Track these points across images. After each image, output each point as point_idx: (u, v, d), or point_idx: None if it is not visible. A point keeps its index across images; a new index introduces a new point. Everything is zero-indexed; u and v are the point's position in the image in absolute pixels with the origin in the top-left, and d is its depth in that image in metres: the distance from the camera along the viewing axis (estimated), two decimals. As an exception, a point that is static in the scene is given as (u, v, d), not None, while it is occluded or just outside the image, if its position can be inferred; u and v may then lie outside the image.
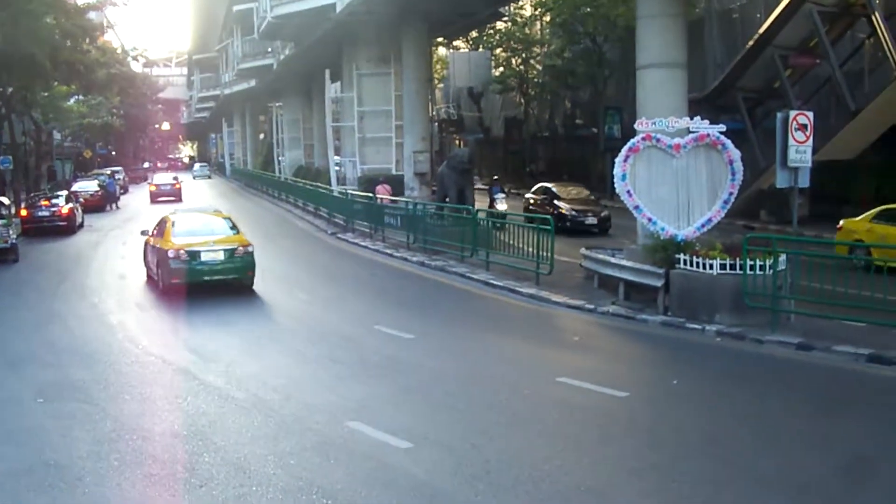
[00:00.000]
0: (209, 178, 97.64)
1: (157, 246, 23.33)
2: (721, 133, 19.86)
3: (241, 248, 22.66)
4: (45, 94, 54.31)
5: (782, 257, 17.56)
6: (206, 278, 22.24)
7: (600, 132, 51.22)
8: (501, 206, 37.05)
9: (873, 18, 32.16)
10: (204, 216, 26.03)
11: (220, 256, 22.41)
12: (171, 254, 22.13)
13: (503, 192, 40.19)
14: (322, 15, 43.47)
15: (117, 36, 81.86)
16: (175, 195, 59.66)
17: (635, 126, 20.56)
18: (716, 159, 19.88)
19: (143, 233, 25.85)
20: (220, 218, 25.44)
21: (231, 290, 22.33)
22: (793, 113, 20.28)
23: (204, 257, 22.24)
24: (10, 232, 31.21)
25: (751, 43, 37.36)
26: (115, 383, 14.84)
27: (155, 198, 59.47)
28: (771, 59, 36.26)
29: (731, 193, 19.99)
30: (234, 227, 24.23)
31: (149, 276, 24.81)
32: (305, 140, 69.34)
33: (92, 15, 53.66)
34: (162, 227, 24.04)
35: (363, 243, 32.97)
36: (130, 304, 22.40)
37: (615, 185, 20.40)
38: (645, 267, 19.68)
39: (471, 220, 27.62)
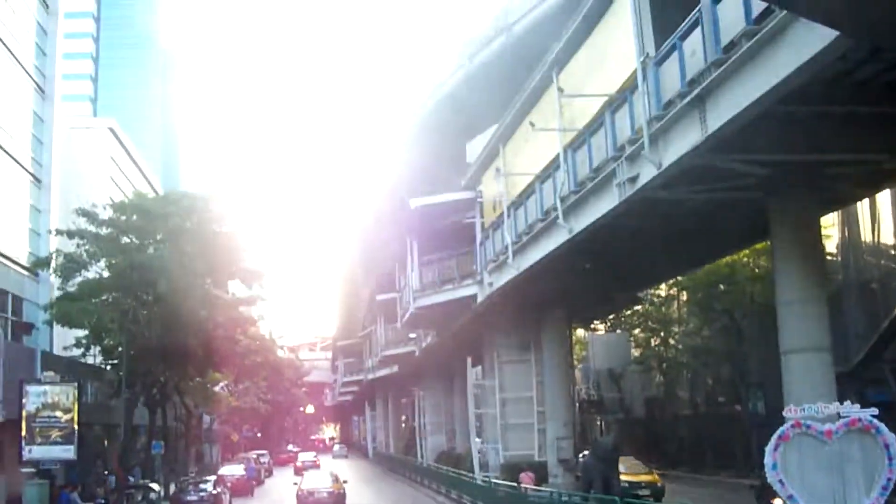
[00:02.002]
0: (346, 457, 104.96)
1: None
2: (873, 417, 19.51)
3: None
4: (198, 380, 56.33)
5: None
6: None
7: (744, 410, 50.42)
8: None
9: None
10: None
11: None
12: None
13: None
14: (463, 305, 44.71)
15: (265, 325, 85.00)
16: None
17: (784, 413, 20.33)
18: (870, 444, 19.43)
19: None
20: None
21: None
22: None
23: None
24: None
25: (895, 313, 36.95)
26: None
27: (299, 471, 64.92)
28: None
29: (889, 479, 19.41)
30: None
31: None
32: (447, 425, 69.64)
33: (242, 308, 56.27)
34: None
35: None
36: None
37: (766, 475, 20.04)
38: (803, 559, 19.00)
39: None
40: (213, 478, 45.29)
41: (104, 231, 43.83)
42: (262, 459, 71.59)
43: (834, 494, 19.35)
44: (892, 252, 43.36)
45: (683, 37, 21.50)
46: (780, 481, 19.60)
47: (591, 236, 29.61)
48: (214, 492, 41.20)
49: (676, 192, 24.94)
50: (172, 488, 48.00)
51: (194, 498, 40.47)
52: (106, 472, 43.17)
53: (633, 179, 24.67)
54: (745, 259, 49.02)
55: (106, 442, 48.68)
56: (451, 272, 46.60)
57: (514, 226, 36.71)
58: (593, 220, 28.40)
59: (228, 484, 47.35)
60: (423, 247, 49.01)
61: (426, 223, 45.16)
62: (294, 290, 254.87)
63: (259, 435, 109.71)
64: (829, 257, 43.88)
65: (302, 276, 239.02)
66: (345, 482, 44.78)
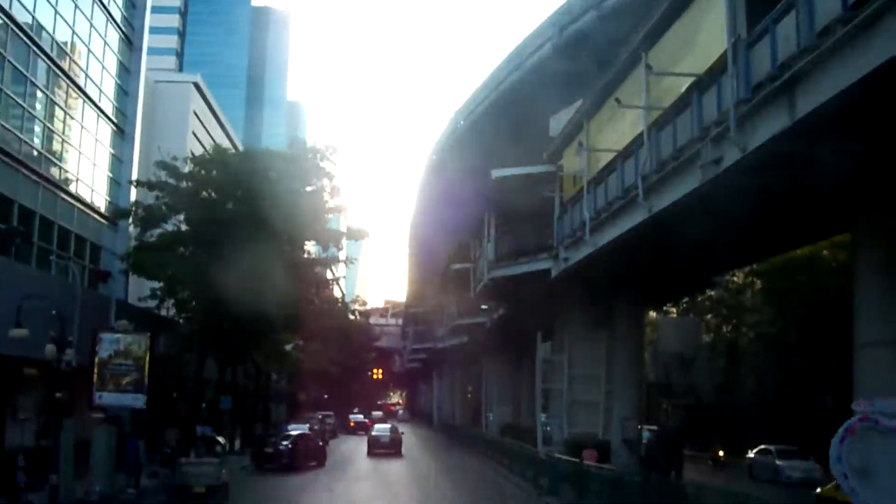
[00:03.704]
0: (408, 421, 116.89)
1: None
2: (945, 416, 19.20)
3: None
4: (270, 338, 56.83)
5: None
6: None
7: (815, 404, 49.85)
8: None
9: None
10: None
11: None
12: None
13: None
14: (537, 278, 44.65)
15: (339, 288, 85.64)
16: (394, 447, 59.39)
17: (852, 406, 20.03)
18: (938, 443, 19.14)
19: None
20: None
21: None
22: None
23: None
24: (224, 471, 32.47)
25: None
26: None
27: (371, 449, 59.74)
28: None
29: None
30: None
31: None
32: (513, 398, 69.83)
33: (318, 269, 56.62)
34: None
35: (567, 510, 32.59)
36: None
37: (831, 467, 19.85)
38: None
39: (679, 494, 27.03)
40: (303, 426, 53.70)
41: (184, 185, 44.32)
42: (327, 420, 72.38)
43: (899, 492, 19.12)
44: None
45: (777, 20, 21.22)
46: (845, 475, 19.40)
47: (670, 217, 29.41)
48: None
49: (760, 177, 24.64)
50: (237, 443, 49.01)
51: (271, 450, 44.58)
52: (174, 424, 43.95)
53: (717, 161, 24.45)
54: (825, 252, 48.42)
55: (175, 394, 49.47)
56: (526, 244, 46.57)
57: (594, 202, 36.57)
58: (673, 200, 28.22)
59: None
60: (500, 219, 49.02)
61: (505, 195, 45.08)
62: (371, 254, 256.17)
63: (326, 397, 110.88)
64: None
65: (379, 242, 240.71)
66: (402, 433, 63.06)
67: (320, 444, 52.01)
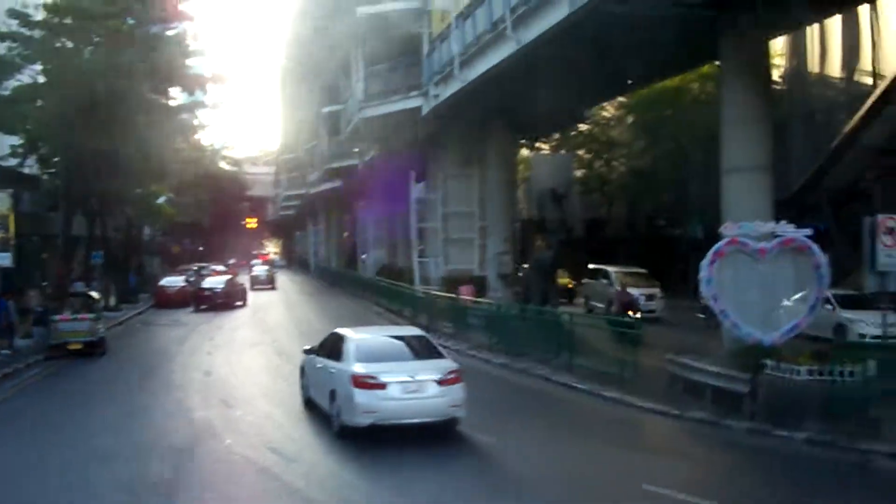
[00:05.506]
0: (284, 267, 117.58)
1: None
2: (808, 237, 19.72)
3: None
4: (139, 191, 55.49)
5: (872, 363, 17.26)
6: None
7: (683, 233, 50.97)
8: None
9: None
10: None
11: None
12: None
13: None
14: (408, 117, 44.22)
15: (208, 136, 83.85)
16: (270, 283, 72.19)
17: (720, 230, 20.47)
18: (802, 264, 19.69)
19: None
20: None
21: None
22: (880, 217, 20.09)
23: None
24: (100, 326, 32.05)
25: (835, 143, 37.17)
26: (196, 480, 15.10)
27: (253, 284, 69.09)
28: (857, 159, 35.95)
29: (818, 298, 19.77)
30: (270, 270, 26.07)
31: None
32: (389, 240, 69.86)
33: (184, 115, 55.08)
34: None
35: (446, 343, 32.81)
36: (216, 401, 22.58)
37: (701, 289, 20.30)
38: (731, 372, 19.45)
39: (554, 322, 27.58)
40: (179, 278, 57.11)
41: (38, 34, 42.19)
42: (203, 272, 71.64)
43: (765, 311, 19.68)
44: (838, 84, 43.35)
45: None
46: (714, 297, 19.89)
47: (540, 49, 29.12)
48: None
49: (628, 5, 24.40)
50: (113, 299, 48.21)
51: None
52: (45, 283, 42.90)
53: (586, -12, 24.12)
54: (693, 84, 48.80)
55: (45, 254, 48.12)
56: (397, 83, 45.93)
57: (462, 37, 36.01)
58: (542, 31, 27.90)
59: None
60: (369, 57, 48.11)
61: (373, 32, 44.16)
62: (238, 100, 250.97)
63: (201, 249, 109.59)
64: (775, 87, 43.85)
65: (246, 87, 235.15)
66: (275, 272, 78.24)
67: (244, 287, 59.10)
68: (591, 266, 42.94)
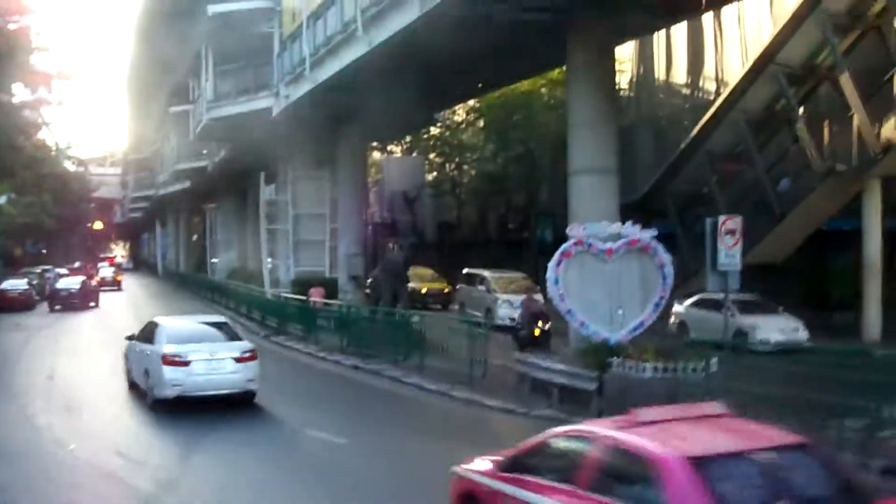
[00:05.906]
0: (131, 269, 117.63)
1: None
2: (652, 238, 20.19)
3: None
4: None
5: (714, 360, 17.75)
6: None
7: (532, 237, 51.66)
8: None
9: (841, 80, 30.00)
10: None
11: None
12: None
13: None
14: (258, 118, 43.63)
15: (52, 135, 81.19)
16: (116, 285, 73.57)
17: (567, 231, 20.77)
18: (647, 264, 20.18)
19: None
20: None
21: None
22: (722, 218, 20.68)
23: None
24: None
25: (681, 148, 38.23)
26: (40, 487, 14.53)
27: (100, 285, 66.61)
28: (701, 164, 37.00)
29: (662, 297, 20.30)
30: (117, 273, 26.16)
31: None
32: (239, 242, 68.98)
33: (27, 113, 53.42)
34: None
35: (296, 346, 32.72)
36: (59, 406, 21.86)
37: (548, 290, 20.57)
38: (578, 370, 19.75)
39: (404, 323, 27.61)
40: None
41: None
42: (47, 275, 69.47)
43: (610, 310, 20.08)
44: (683, 91, 44.65)
45: None
46: (561, 296, 20.18)
47: (391, 50, 29.11)
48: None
49: (479, 8, 24.56)
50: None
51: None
52: None
53: (436, -9, 24.19)
54: (543, 90, 49.59)
55: None
56: (247, 83, 45.33)
57: (314, 37, 35.79)
58: (392, 33, 27.90)
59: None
60: (219, 56, 47.32)
61: (224, 31, 43.43)
62: (84, 99, 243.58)
63: (45, 252, 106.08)
64: (623, 93, 44.87)
65: (93, 85, 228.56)
66: (122, 275, 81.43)
67: (97, 289, 60.27)
68: (466, 271, 42.13)
